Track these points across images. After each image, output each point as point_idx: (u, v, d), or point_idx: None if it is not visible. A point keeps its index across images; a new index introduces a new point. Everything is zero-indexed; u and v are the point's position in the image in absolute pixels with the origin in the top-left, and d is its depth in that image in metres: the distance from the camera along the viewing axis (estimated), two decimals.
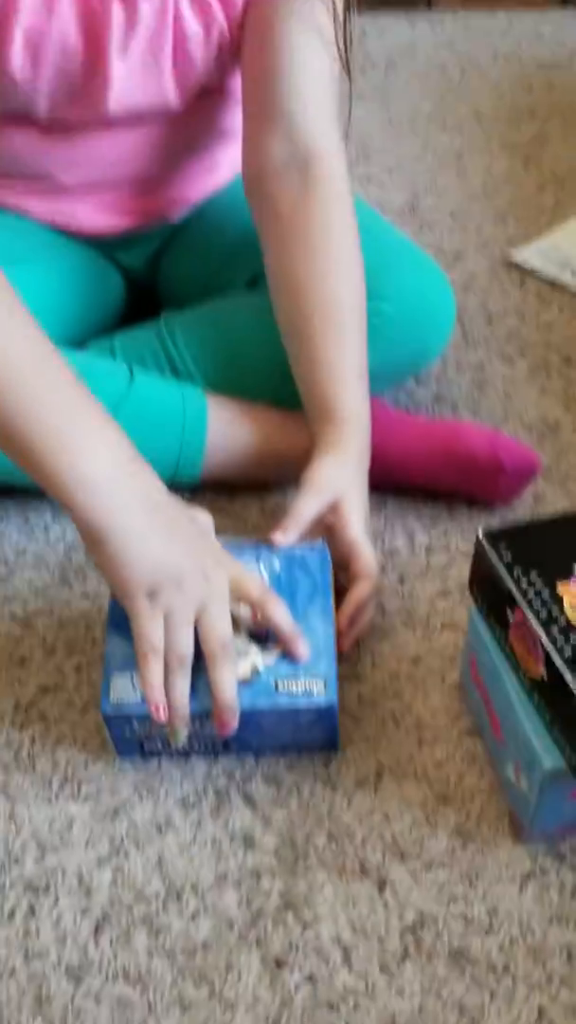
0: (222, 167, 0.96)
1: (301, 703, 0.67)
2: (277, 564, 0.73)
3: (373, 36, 1.72)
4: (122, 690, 0.67)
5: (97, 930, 0.63)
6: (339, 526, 0.74)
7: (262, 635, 0.69)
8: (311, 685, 0.67)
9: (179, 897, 0.65)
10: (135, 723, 0.67)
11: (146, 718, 0.66)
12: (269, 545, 0.74)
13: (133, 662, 0.67)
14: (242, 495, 0.91)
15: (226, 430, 0.86)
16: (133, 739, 0.69)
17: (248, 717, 0.67)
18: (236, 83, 0.84)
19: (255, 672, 0.68)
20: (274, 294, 0.82)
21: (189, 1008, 0.60)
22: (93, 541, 0.63)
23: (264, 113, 0.79)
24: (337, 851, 0.67)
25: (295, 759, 0.72)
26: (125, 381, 0.84)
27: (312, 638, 0.69)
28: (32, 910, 0.64)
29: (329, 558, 0.74)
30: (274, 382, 0.86)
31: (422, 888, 0.65)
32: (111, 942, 0.63)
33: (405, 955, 0.62)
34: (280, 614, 0.68)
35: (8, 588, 0.84)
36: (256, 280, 0.92)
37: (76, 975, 0.61)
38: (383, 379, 0.90)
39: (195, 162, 0.92)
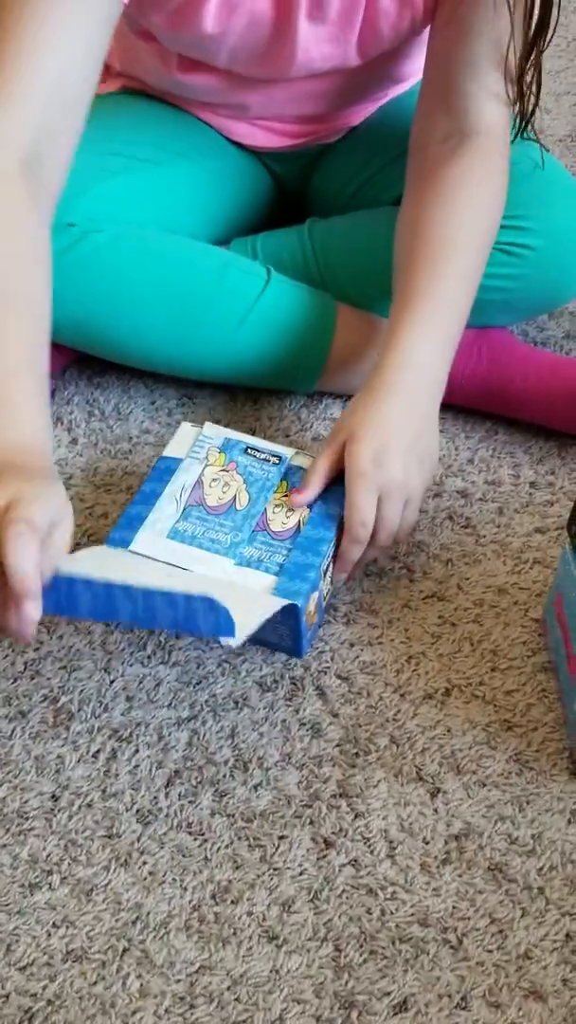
0: (389, 95, 0.95)
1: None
2: (241, 455, 0.76)
3: None
4: None
5: (168, 783, 0.69)
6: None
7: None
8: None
9: (246, 768, 0.70)
10: None
11: None
12: (247, 439, 0.76)
13: None
14: None
15: (351, 341, 0.88)
16: None
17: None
18: (417, 41, 0.83)
19: None
20: (395, 233, 0.82)
21: (241, 867, 0.66)
22: None
23: (437, 92, 0.79)
24: (396, 754, 0.71)
25: (369, 664, 0.75)
26: (262, 282, 0.85)
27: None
28: (114, 754, 0.70)
29: (287, 462, 0.76)
30: None
31: (473, 802, 0.69)
32: (179, 795, 0.69)
33: (447, 860, 0.66)
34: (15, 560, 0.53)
35: (129, 464, 0.89)
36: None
37: (145, 819, 0.67)
38: (516, 311, 0.89)
39: (366, 98, 0.92)
